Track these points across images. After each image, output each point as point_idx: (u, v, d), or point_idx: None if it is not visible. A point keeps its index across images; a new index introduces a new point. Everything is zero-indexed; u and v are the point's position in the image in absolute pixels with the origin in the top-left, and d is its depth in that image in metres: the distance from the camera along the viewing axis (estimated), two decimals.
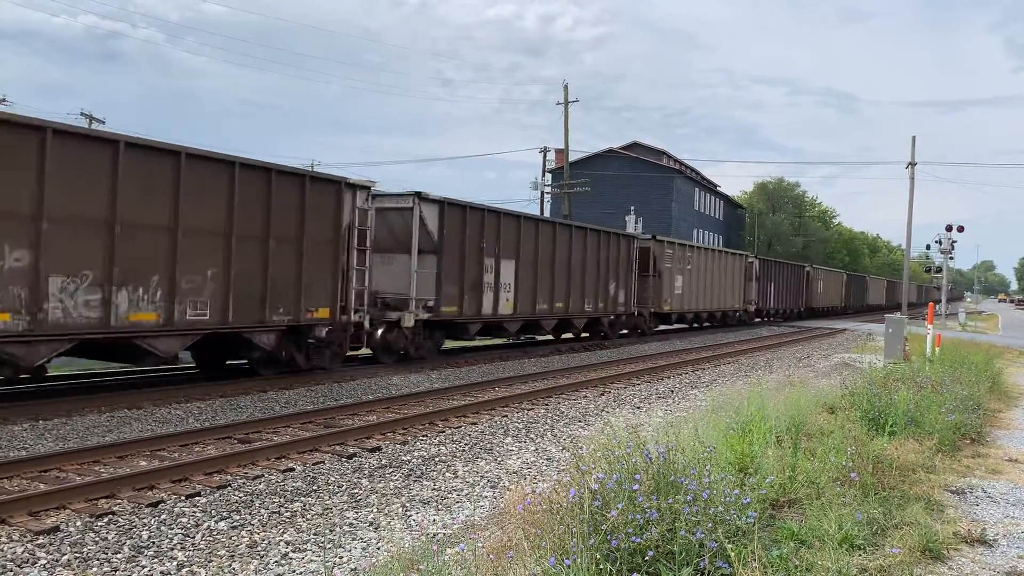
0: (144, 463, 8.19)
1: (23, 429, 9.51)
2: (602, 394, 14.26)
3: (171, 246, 11.36)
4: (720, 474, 5.37)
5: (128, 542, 5.87)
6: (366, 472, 8.13)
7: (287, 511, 6.75)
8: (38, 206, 9.79)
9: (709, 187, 74.48)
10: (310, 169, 16.26)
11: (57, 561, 5.47)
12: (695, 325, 34.55)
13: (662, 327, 31.55)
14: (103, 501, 6.83)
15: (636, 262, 26.85)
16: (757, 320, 42.34)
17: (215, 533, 6.16)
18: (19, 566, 5.35)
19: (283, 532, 6.22)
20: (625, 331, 27.65)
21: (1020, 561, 5.32)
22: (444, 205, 17.43)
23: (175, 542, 5.92)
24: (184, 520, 6.41)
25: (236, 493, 7.21)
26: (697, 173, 73.22)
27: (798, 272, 48.63)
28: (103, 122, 39.29)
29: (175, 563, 5.51)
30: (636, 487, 4.54)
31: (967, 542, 5.60)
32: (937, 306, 34.17)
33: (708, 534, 4.31)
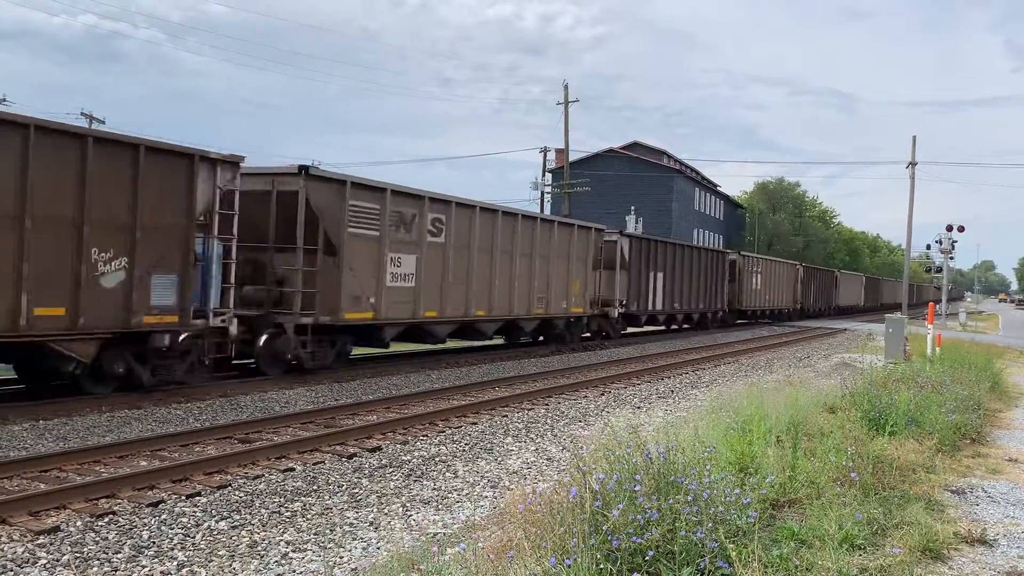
0: (144, 463, 8.19)
1: (23, 429, 9.51)
2: (602, 394, 14.26)
3: None
4: (720, 474, 5.37)
5: (128, 542, 5.87)
6: (366, 472, 8.13)
7: (287, 511, 6.75)
8: None
9: (709, 187, 74.48)
10: None
11: (57, 561, 5.47)
12: (470, 344, 21.02)
13: (361, 353, 17.51)
14: (103, 501, 6.83)
15: (225, 219, 12.45)
16: (630, 331, 28.78)
17: (215, 533, 6.16)
18: (19, 566, 5.35)
19: (283, 532, 6.22)
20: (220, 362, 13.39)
21: (1020, 561, 5.33)
22: None
23: (175, 542, 5.92)
24: (184, 520, 6.41)
25: (236, 493, 7.22)
26: (697, 173, 73.23)
27: (716, 261, 35.02)
28: (103, 122, 39.31)
29: (175, 563, 5.51)
30: (637, 487, 4.55)
31: (967, 542, 5.60)
32: (937, 306, 34.12)
33: (708, 534, 4.31)
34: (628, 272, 26.21)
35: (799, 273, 48.31)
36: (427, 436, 10.03)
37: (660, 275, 28.88)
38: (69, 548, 5.69)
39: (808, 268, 51.54)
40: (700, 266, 32.91)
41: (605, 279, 24.80)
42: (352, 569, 5.43)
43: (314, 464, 8.39)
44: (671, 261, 30.00)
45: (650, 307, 28.31)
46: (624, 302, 25.96)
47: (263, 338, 13.89)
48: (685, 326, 33.32)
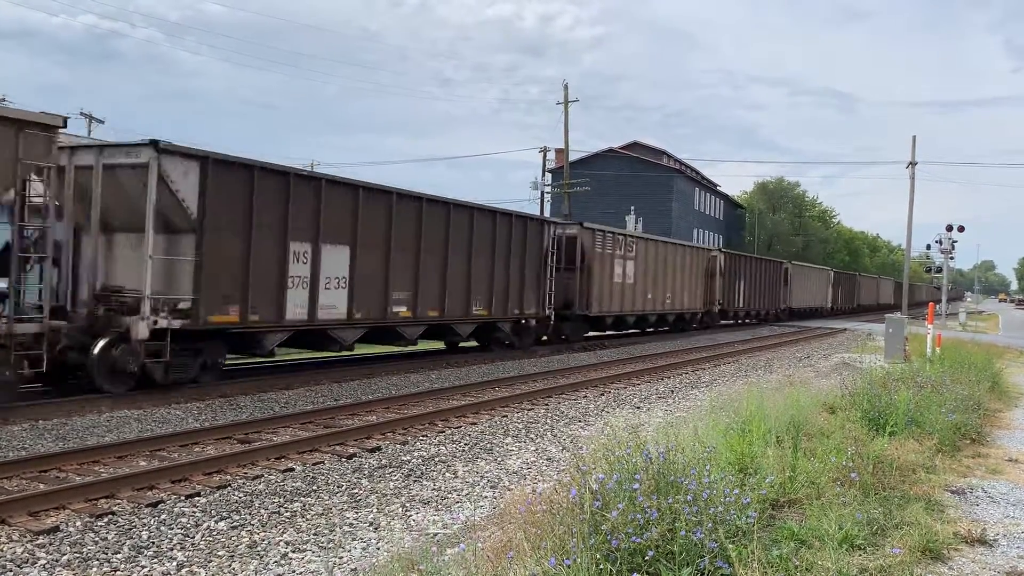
0: (144, 463, 8.19)
1: (23, 429, 9.51)
2: (602, 394, 14.26)
3: None
4: (720, 474, 5.37)
5: (128, 542, 5.87)
6: (366, 472, 8.13)
7: (287, 511, 6.75)
8: None
9: (709, 187, 74.53)
10: None
11: (57, 561, 5.46)
12: None
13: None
14: (103, 501, 6.83)
15: None
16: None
17: (215, 533, 6.15)
18: (19, 566, 5.35)
19: (283, 532, 6.21)
20: None
21: (1020, 561, 5.32)
22: None
23: (175, 542, 5.92)
24: (184, 520, 6.41)
25: (236, 493, 7.21)
26: (697, 173, 73.28)
27: (524, 234, 20.13)
28: (103, 122, 39.36)
29: (175, 563, 5.51)
30: (636, 487, 4.54)
31: (967, 542, 5.60)
32: (937, 306, 34.08)
33: (708, 534, 4.31)
34: (201, 236, 12.11)
35: (718, 262, 33.99)
36: (427, 436, 10.02)
37: (341, 250, 14.52)
38: (69, 548, 5.69)
39: (734, 256, 37.51)
40: (477, 240, 18.14)
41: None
42: (352, 569, 5.43)
43: (313, 464, 8.39)
44: (371, 223, 15.07)
45: (299, 311, 13.71)
46: (176, 305, 11.99)
47: None
48: (438, 348, 20.22)
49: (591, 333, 25.47)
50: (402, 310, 16.13)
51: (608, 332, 27.00)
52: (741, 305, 37.60)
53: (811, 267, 53.72)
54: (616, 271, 25.13)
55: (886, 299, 78.45)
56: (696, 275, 32.10)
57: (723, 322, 37.19)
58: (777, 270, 43.95)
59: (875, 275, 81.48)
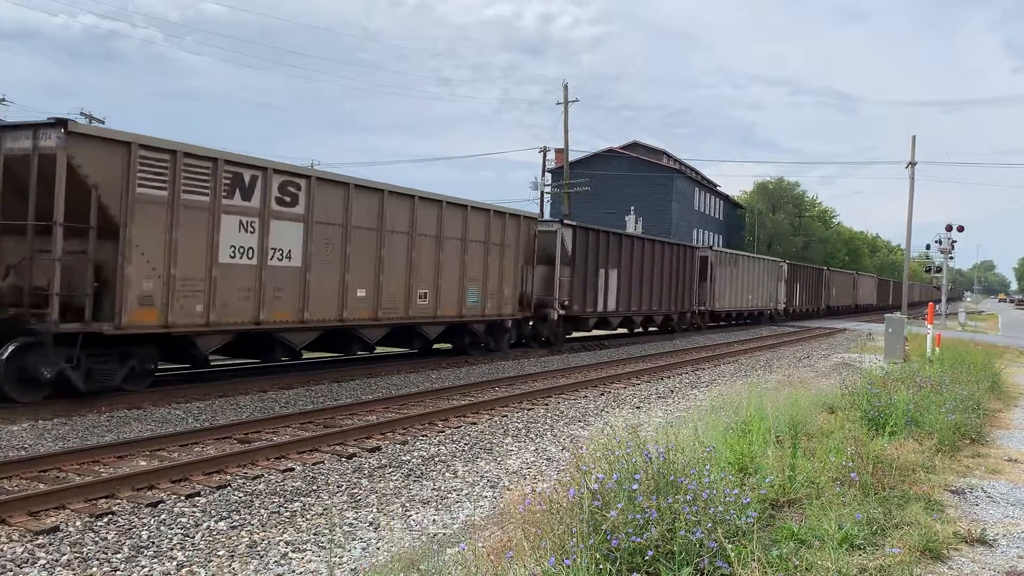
0: (144, 463, 8.19)
1: (23, 429, 9.51)
2: (602, 394, 14.25)
3: None
4: (720, 474, 5.38)
5: (128, 542, 5.87)
6: (366, 472, 8.13)
7: (287, 511, 6.75)
8: None
9: (709, 187, 74.52)
10: None
11: (57, 561, 5.46)
12: None
13: None
14: (103, 501, 6.83)
15: None
16: None
17: (215, 533, 6.15)
18: (19, 566, 5.35)
19: (283, 532, 6.22)
20: None
21: (1020, 561, 5.33)
22: None
23: (175, 542, 5.92)
24: (184, 520, 6.41)
25: (236, 493, 7.21)
26: (697, 173, 73.28)
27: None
28: (103, 122, 39.31)
29: (175, 563, 5.51)
30: (636, 487, 4.55)
31: (967, 542, 5.60)
32: (937, 306, 34.03)
33: (708, 534, 4.31)
34: None
35: (560, 239, 22.01)
36: (426, 436, 10.02)
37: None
38: (68, 548, 5.69)
39: (597, 233, 24.03)
40: None
41: None
42: (352, 569, 5.42)
43: (313, 464, 8.39)
44: None
45: None
46: None
47: None
48: None
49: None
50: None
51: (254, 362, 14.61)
52: (612, 307, 24.85)
53: (749, 256, 40.19)
54: (232, 241, 12.38)
55: (866, 300, 67.75)
56: (503, 258, 19.48)
57: (577, 333, 24.42)
58: (688, 258, 31.18)
59: (851, 271, 68.36)
